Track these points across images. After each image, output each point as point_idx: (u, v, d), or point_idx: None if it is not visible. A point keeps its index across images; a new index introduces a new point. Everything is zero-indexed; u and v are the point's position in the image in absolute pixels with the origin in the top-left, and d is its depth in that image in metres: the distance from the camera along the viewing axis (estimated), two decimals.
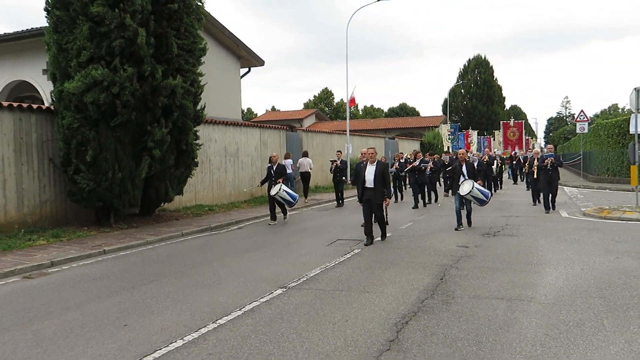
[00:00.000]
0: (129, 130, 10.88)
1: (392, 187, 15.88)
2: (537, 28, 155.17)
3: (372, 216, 9.46)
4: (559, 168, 13.79)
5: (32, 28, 15.69)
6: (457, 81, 64.98)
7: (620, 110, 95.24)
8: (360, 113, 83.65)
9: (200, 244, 10.08)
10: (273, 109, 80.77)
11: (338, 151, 17.85)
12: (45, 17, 10.81)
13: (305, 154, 18.89)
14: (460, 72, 66.56)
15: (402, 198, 17.94)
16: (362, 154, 12.03)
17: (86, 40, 10.14)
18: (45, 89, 15.92)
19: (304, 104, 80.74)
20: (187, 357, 4.27)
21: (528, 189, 19.12)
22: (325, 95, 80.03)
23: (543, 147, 69.35)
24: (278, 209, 12.66)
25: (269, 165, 12.98)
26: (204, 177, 15.86)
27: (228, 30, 18.76)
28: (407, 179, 18.34)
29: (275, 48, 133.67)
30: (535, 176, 14.37)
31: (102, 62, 10.25)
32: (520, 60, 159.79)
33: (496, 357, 4.09)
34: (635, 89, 13.47)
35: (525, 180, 22.51)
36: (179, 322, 5.15)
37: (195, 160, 12.98)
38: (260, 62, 20.81)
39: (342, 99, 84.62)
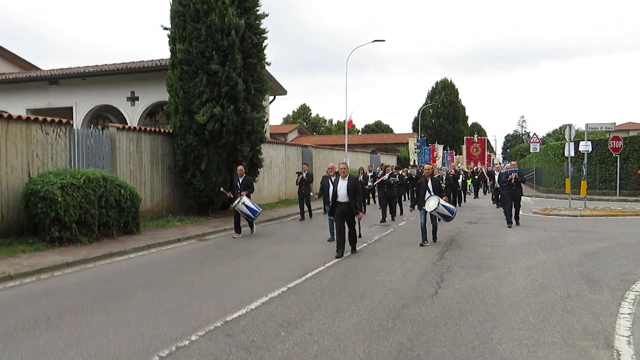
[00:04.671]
0: (226, 148, 15.61)
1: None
2: (495, 46, 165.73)
3: (344, 229, 9.75)
4: (521, 184, 14.63)
5: (118, 65, 20.17)
6: (426, 102, 71.39)
7: None
8: (334, 128, 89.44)
9: (283, 226, 14.87)
10: None
11: (304, 164, 18.30)
12: (171, 69, 15.45)
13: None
14: (428, 93, 73.04)
15: (364, 212, 15.74)
16: (329, 168, 11.45)
17: (205, 87, 14.87)
18: (128, 112, 20.42)
19: (283, 118, 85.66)
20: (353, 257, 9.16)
21: (493, 203, 21.26)
22: (303, 111, 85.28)
23: (501, 162, 76.42)
24: (244, 222, 12.83)
25: (236, 178, 13.16)
26: None
27: None
28: (374, 193, 19.40)
29: None
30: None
31: (214, 102, 15.00)
32: (479, 77, 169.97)
33: (490, 262, 9.14)
34: (569, 125, 19.10)
35: (491, 194, 23.33)
36: (329, 251, 9.99)
37: (259, 170, 17.75)
38: (283, 92, 25.74)
39: (317, 114, 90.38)
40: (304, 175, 16.58)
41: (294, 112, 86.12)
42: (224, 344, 4.85)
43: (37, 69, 26.08)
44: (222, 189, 14.22)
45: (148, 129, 15.04)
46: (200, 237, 12.54)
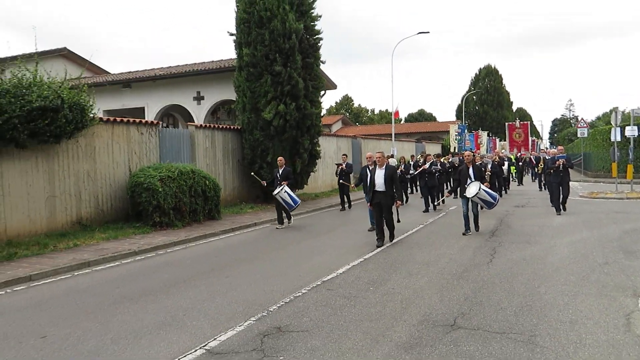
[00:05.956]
0: (289, 142, 17.18)
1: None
2: (540, 27, 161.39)
3: (383, 219, 9.90)
4: (569, 169, 14.11)
5: (184, 67, 22.03)
6: (469, 89, 71.24)
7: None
8: (376, 117, 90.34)
9: (343, 213, 16.32)
10: None
11: (343, 154, 18.00)
12: (238, 71, 17.11)
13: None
14: (472, 80, 72.88)
15: (407, 200, 17.97)
16: (368, 157, 11.52)
17: (269, 86, 16.45)
18: (194, 110, 22.30)
19: (327, 110, 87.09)
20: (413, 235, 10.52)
21: (540, 190, 22.08)
22: (346, 102, 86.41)
23: (548, 147, 75.31)
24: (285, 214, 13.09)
25: (276, 169, 13.44)
26: None
27: None
28: (416, 182, 19.79)
29: None
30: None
31: (278, 100, 16.55)
32: (524, 58, 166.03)
33: (537, 238, 10.28)
34: (615, 110, 19.65)
35: (538, 180, 23.97)
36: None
37: (317, 161, 19.24)
38: (334, 86, 27.08)
39: (359, 104, 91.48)
40: (344, 166, 16.62)
41: (337, 102, 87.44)
42: (328, 295, 6.34)
43: (107, 72, 28.42)
44: (252, 173, 15.26)
45: (220, 126, 16.78)
46: (273, 221, 14.13)
